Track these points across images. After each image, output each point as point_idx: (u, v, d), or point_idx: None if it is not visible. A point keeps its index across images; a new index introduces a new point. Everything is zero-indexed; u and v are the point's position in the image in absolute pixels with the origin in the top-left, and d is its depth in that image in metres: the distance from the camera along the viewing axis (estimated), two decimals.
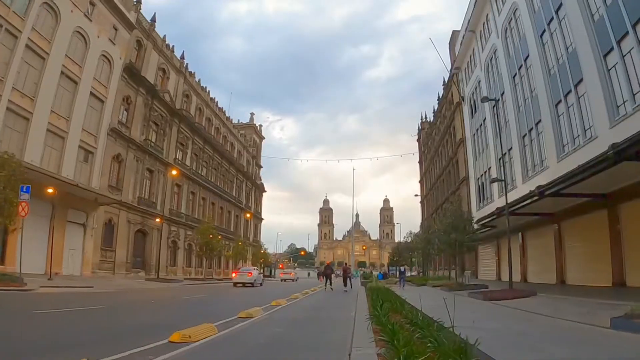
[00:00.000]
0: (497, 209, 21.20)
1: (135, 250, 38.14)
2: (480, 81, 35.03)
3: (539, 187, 15.08)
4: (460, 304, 14.03)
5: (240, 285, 32.03)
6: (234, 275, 35.87)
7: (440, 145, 52.12)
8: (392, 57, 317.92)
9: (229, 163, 60.19)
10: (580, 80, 18.28)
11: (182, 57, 47.68)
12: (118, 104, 35.53)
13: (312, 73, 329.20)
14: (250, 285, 32.05)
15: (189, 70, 49.51)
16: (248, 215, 61.20)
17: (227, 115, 61.37)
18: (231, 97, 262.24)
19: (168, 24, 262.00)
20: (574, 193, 14.70)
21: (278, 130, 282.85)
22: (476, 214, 35.17)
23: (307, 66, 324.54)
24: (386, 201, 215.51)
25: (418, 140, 75.33)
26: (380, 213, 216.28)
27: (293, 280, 53.18)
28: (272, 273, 69.23)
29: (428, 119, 69.91)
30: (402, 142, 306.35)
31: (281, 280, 53.52)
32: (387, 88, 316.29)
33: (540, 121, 22.49)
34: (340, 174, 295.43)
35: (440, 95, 53.14)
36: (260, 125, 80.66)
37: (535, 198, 15.61)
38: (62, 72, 28.60)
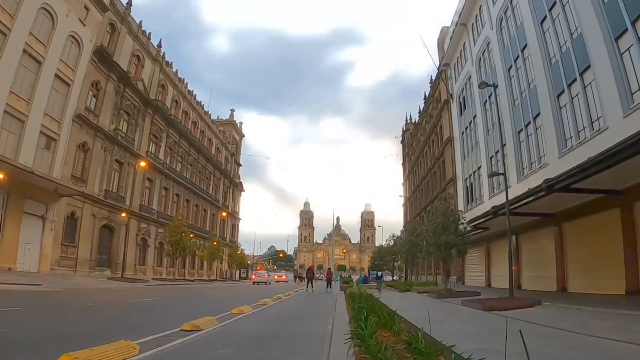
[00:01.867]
0: (493, 207, 19.34)
1: (101, 247, 35.39)
2: (470, 76, 33.42)
3: (546, 180, 13.20)
4: (457, 314, 12.07)
5: (258, 284, 47.65)
6: (253, 276, 54.89)
7: (425, 145, 50.50)
8: (377, 61, 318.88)
9: (206, 159, 57.55)
10: (587, 68, 16.57)
11: (159, 46, 45.06)
12: (86, 89, 32.89)
13: (297, 74, 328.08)
14: (264, 284, 47.81)
15: (166, 60, 46.92)
16: (224, 214, 58.53)
17: (205, 110, 58.77)
18: (211, 93, 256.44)
19: (154, 22, 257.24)
20: (587, 188, 12.86)
21: (261, 131, 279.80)
22: (465, 216, 33.50)
23: (292, 67, 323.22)
24: (367, 205, 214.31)
25: (402, 141, 73.83)
26: (361, 217, 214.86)
27: (266, 283, 50.71)
28: (248, 275, 66.64)
29: (413, 120, 68.57)
30: (385, 147, 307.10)
31: (253, 283, 50.41)
32: (370, 92, 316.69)
33: (539, 114, 20.79)
34: (322, 176, 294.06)
35: (427, 94, 51.56)
36: (241, 123, 78.27)
37: (542, 194, 13.72)
38: (24, 50, 26.12)
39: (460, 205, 34.63)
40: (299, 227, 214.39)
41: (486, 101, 29.70)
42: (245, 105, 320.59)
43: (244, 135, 78.37)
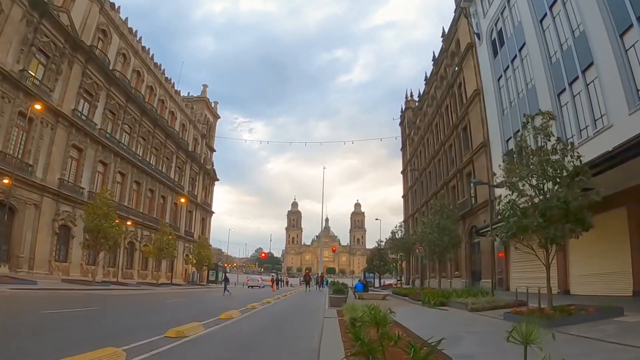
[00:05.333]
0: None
1: None
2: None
3: None
4: None
5: (252, 287, 48.36)
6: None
7: (436, 115, 40.69)
8: (365, 63, 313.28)
9: (166, 135, 46.90)
10: None
11: None
12: None
13: (284, 76, 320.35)
14: (258, 287, 48.33)
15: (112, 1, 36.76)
16: (183, 199, 47.28)
17: (167, 76, 48.33)
18: (182, 67, 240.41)
19: (140, 21, 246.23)
20: None
21: (247, 133, 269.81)
22: (503, 191, 23.71)
23: (279, 69, 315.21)
24: (357, 205, 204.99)
25: (400, 124, 64.10)
26: (351, 217, 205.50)
27: (260, 287, 49.90)
28: (219, 277, 55.57)
29: (414, 97, 59.15)
30: (372, 149, 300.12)
31: (249, 287, 49.46)
32: (358, 95, 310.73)
33: None
34: (310, 179, 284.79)
35: (436, 55, 41.82)
36: (216, 102, 67.73)
37: None
38: None
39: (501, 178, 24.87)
40: (287, 228, 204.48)
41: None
42: (232, 106, 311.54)
43: (219, 117, 67.86)
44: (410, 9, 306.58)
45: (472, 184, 23.96)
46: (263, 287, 49.30)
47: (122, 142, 38.46)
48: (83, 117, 33.15)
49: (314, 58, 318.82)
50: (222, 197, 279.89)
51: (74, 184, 31.90)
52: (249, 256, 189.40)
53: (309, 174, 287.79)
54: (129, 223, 34.44)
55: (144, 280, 39.38)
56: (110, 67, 36.50)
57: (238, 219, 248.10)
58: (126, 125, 39.43)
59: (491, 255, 24.36)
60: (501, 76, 25.98)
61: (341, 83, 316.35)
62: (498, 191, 24.32)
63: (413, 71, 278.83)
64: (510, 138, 24.11)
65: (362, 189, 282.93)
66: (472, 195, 28.61)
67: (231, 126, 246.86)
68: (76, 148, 32.54)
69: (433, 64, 42.65)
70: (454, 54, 35.74)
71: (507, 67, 25.13)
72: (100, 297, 19.27)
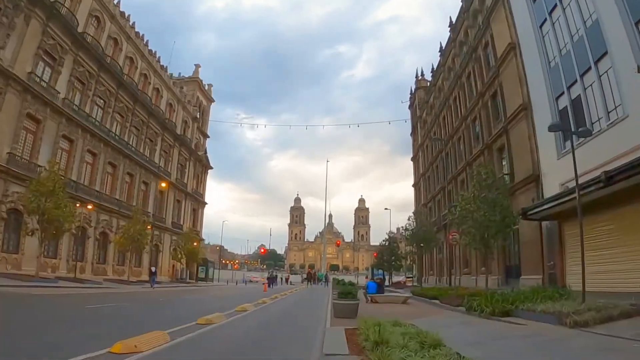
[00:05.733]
0: None
1: None
2: None
3: None
4: None
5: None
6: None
7: (454, 87, 35.37)
8: (368, 59, 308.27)
9: (148, 113, 41.66)
10: None
11: None
12: None
13: (287, 72, 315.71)
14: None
15: None
16: (164, 184, 41.84)
17: (150, 49, 43.19)
18: (174, 46, 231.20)
19: (143, 16, 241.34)
20: None
21: (249, 130, 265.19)
22: (558, 164, 18.58)
23: (282, 65, 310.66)
24: (361, 201, 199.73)
25: (410, 106, 58.74)
26: (355, 213, 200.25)
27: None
28: (209, 274, 50.50)
29: (425, 77, 54.03)
30: (376, 147, 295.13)
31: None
32: (361, 91, 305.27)
33: None
34: (314, 176, 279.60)
35: (453, 20, 36.46)
36: (210, 85, 62.62)
37: None
38: None
39: (548, 149, 19.68)
40: (289, 225, 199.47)
41: None
42: (235, 103, 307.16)
43: (213, 101, 62.66)
44: (413, 4, 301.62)
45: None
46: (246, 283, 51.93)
47: (93, 116, 33.36)
48: (43, 84, 28.12)
49: (317, 54, 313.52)
50: (226, 195, 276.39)
51: (28, 161, 26.84)
52: (251, 253, 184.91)
53: (312, 171, 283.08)
54: (89, 207, 29.32)
55: (120, 277, 34.28)
56: (80, 30, 31.48)
57: (242, 216, 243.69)
58: (98, 98, 34.29)
59: (538, 244, 19.15)
60: (545, 21, 20.66)
61: (344, 79, 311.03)
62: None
63: (417, 67, 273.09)
64: (563, 94, 18.90)
65: (366, 186, 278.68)
66: (507, 173, 23.47)
67: (233, 121, 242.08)
68: (32, 118, 27.45)
69: (450, 31, 37.28)
70: (476, 12, 30.48)
71: (554, 7, 19.87)
72: None
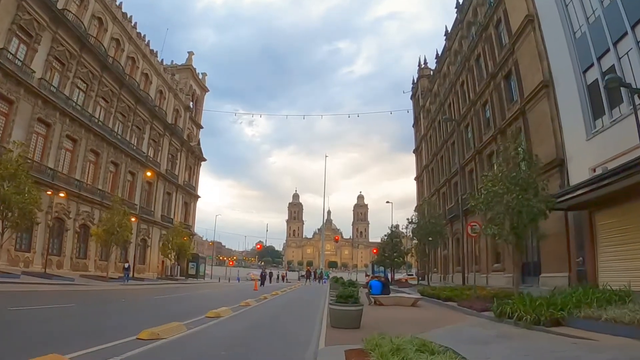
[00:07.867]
0: None
1: None
2: None
3: None
4: None
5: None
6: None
7: (462, 71, 33.03)
8: (367, 56, 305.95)
9: (135, 99, 39.17)
10: None
11: None
12: None
13: (285, 69, 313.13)
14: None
15: None
16: (149, 173, 39.42)
17: (138, 31, 40.72)
18: (166, 33, 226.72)
19: (141, 12, 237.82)
20: None
21: (248, 127, 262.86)
22: (587, 146, 16.33)
23: (280, 61, 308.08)
24: (360, 197, 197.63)
25: (412, 97, 56.43)
26: (353, 210, 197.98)
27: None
28: (200, 271, 48.15)
29: (428, 65, 51.93)
30: (375, 143, 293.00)
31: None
32: (360, 87, 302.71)
33: None
34: (312, 173, 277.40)
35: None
36: (205, 74, 60.19)
37: None
38: None
39: (575, 126, 17.36)
40: (288, 221, 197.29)
41: None
42: (233, 99, 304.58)
43: (207, 90, 60.21)
44: (413, 0, 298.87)
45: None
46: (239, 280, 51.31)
47: (74, 99, 30.99)
48: (17, 63, 25.78)
49: (315, 50, 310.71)
50: (226, 191, 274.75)
51: None
52: (249, 249, 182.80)
53: (311, 168, 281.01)
54: (61, 195, 26.96)
55: (102, 273, 31.92)
56: (60, 7, 29.10)
57: (241, 212, 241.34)
58: (80, 80, 31.87)
59: (563, 237, 16.88)
60: None
61: (343, 75, 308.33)
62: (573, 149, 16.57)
63: (416, 64, 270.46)
64: (592, 66, 16.58)
65: (365, 183, 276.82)
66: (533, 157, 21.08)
67: (232, 118, 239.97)
68: (4, 99, 25.07)
69: (457, 11, 34.94)
70: None
71: None
72: None
